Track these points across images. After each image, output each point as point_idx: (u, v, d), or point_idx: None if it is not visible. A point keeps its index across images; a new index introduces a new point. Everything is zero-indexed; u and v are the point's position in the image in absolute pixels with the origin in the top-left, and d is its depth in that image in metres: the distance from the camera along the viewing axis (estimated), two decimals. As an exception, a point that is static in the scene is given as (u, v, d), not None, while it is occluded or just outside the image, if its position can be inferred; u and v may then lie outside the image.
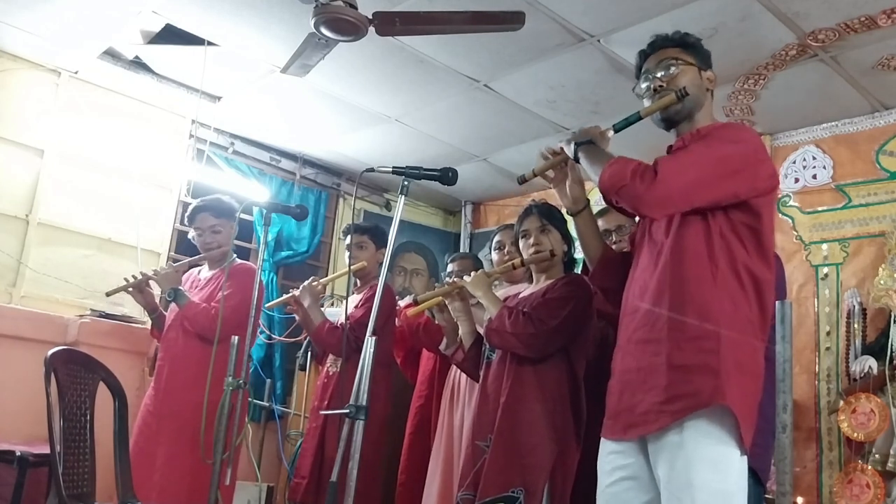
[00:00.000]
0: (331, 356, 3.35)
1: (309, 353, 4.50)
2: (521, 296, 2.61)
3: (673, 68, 1.85)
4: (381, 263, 3.47)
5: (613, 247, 2.73)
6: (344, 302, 3.67)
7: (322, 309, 3.43)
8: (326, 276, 4.41)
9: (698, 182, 1.68)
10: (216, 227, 3.32)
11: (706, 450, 1.59)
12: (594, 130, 1.89)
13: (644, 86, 1.91)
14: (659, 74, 1.87)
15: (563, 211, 2.57)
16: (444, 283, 2.71)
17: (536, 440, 2.30)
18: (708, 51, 1.93)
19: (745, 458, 1.63)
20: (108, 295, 3.47)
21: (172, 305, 3.33)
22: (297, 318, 3.47)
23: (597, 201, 2.72)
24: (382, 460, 3.25)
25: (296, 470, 3.33)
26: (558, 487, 2.30)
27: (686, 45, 1.90)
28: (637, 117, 1.87)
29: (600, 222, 2.88)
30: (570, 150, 1.89)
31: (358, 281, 3.47)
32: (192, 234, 3.39)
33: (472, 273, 2.60)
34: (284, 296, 3.47)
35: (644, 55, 1.94)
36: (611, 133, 1.90)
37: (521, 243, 2.60)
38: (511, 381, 2.39)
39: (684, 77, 1.85)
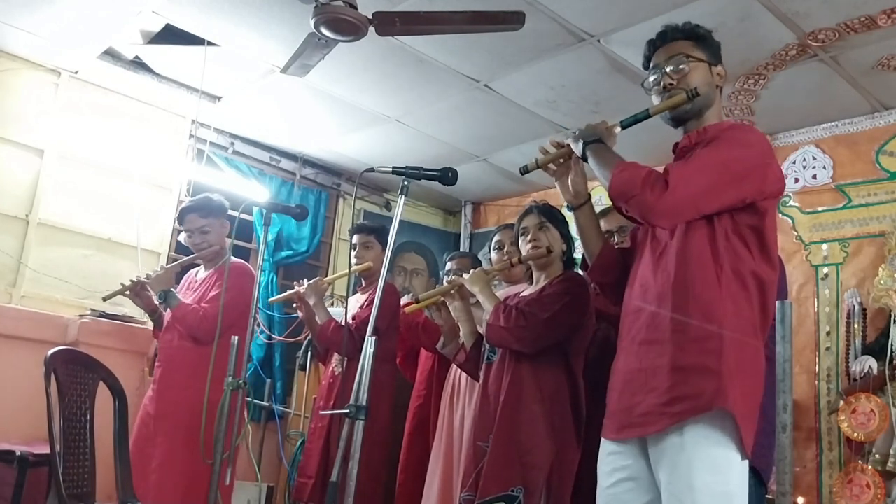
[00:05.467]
0: (336, 356, 3.34)
1: (309, 353, 4.50)
2: (521, 295, 2.62)
3: (683, 66, 1.82)
4: (386, 264, 3.49)
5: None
6: (345, 302, 3.65)
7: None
8: (326, 276, 4.41)
9: (708, 190, 1.66)
10: (204, 227, 3.31)
11: (707, 452, 1.58)
12: (601, 126, 1.86)
13: (653, 79, 1.87)
14: (669, 70, 1.83)
15: (564, 211, 2.57)
16: (444, 283, 2.72)
17: (536, 439, 2.30)
18: (718, 43, 1.90)
19: (747, 462, 1.62)
20: (104, 300, 3.47)
21: (171, 307, 3.33)
22: (300, 315, 3.46)
23: (597, 200, 2.72)
24: (385, 460, 3.25)
25: (300, 470, 3.32)
26: (557, 486, 2.30)
27: (697, 38, 1.87)
28: (646, 115, 1.85)
29: (602, 223, 2.87)
30: (577, 149, 1.86)
31: (363, 281, 3.47)
32: (182, 236, 3.40)
33: (471, 271, 2.60)
34: (288, 291, 3.47)
35: (653, 46, 1.90)
36: (618, 129, 1.87)
37: (520, 242, 2.60)
38: (509, 381, 2.39)
39: (695, 75, 1.82)
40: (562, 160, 1.97)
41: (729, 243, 1.69)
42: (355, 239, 3.41)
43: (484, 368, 2.57)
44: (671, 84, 1.83)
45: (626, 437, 1.72)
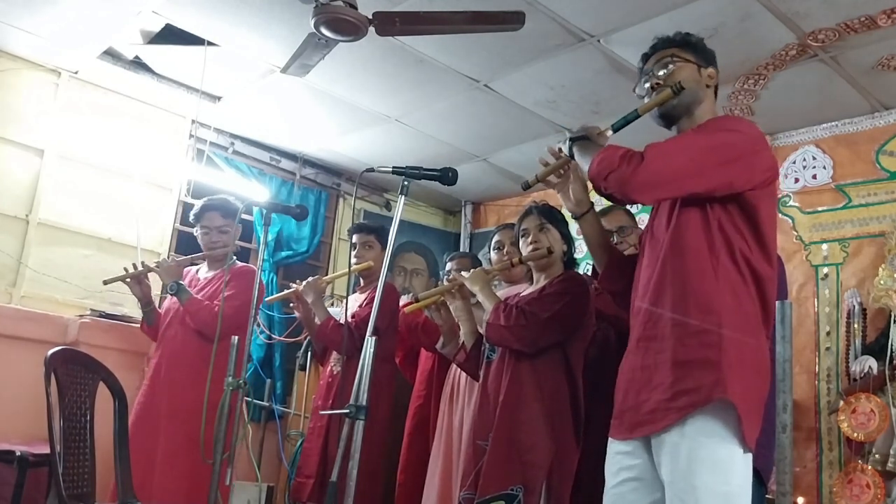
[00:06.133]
0: (335, 355, 3.34)
1: (309, 353, 4.50)
2: (521, 295, 2.62)
3: (670, 65, 1.86)
4: (386, 264, 3.49)
5: (615, 248, 2.74)
6: (345, 301, 3.65)
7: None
8: (326, 276, 4.40)
9: (688, 167, 1.66)
10: (224, 227, 3.33)
11: (708, 450, 1.58)
12: (592, 130, 1.88)
13: (645, 87, 1.91)
14: (658, 73, 1.87)
15: (564, 211, 2.56)
16: (444, 283, 2.72)
17: (535, 438, 2.30)
18: (711, 50, 1.93)
19: (750, 456, 1.61)
20: (105, 283, 3.46)
21: (169, 302, 3.32)
22: (297, 314, 3.46)
23: (597, 200, 2.72)
24: (384, 459, 3.25)
25: (298, 469, 3.32)
26: (556, 486, 2.30)
27: (686, 45, 1.90)
28: (635, 115, 1.86)
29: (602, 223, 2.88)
30: (566, 148, 1.90)
31: (362, 280, 3.47)
32: (197, 231, 3.39)
33: (471, 270, 2.61)
34: (286, 290, 3.47)
35: (645, 58, 1.95)
36: (609, 133, 1.89)
37: (521, 243, 2.61)
38: (509, 380, 2.39)
39: (681, 73, 1.84)
40: (561, 171, 1.99)
41: (724, 234, 1.69)
42: (356, 238, 3.41)
43: (483, 367, 2.58)
44: (658, 83, 1.85)
45: (635, 436, 1.71)
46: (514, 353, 2.42)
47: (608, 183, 1.69)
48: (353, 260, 3.39)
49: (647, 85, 1.89)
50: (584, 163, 1.79)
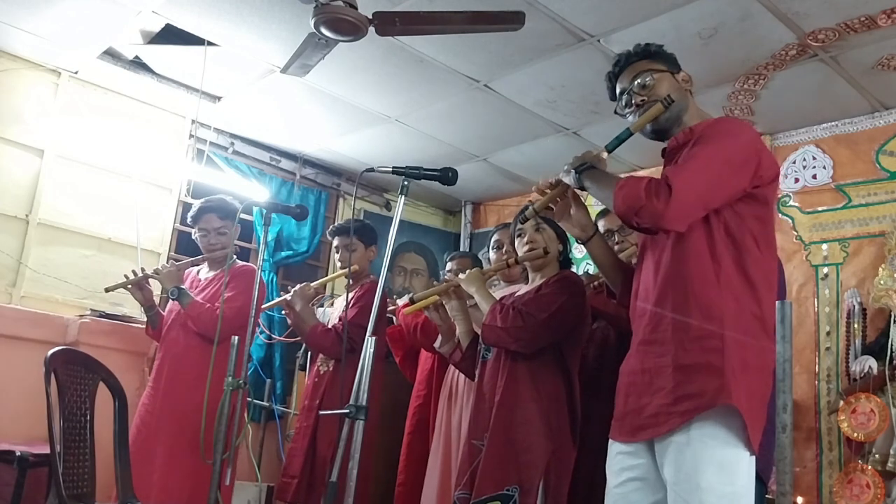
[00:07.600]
0: (321, 355, 3.35)
1: (309, 354, 4.50)
2: (517, 294, 2.62)
3: (649, 79, 1.86)
4: (372, 262, 3.51)
5: (616, 247, 2.74)
6: (332, 304, 3.67)
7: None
8: (326, 276, 4.40)
9: (711, 186, 1.68)
10: (222, 228, 3.31)
11: (713, 451, 1.58)
12: (589, 155, 1.87)
13: (624, 102, 1.91)
14: (637, 89, 1.87)
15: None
16: (443, 282, 2.72)
17: (531, 438, 2.30)
18: (672, 54, 1.94)
19: (754, 458, 1.62)
20: (107, 290, 3.46)
21: (171, 304, 3.32)
22: (289, 321, 3.48)
23: (593, 203, 2.72)
24: (374, 457, 3.24)
25: (283, 469, 3.31)
26: (553, 485, 2.30)
27: (651, 55, 1.91)
28: (628, 134, 1.87)
29: (602, 223, 2.89)
30: (571, 180, 1.86)
31: (349, 280, 3.48)
32: (195, 234, 3.38)
33: (468, 271, 2.60)
34: (277, 299, 3.49)
35: (613, 76, 1.95)
36: (605, 154, 1.88)
37: (516, 243, 2.61)
38: (505, 380, 2.39)
39: (662, 85, 1.85)
40: (558, 199, 1.96)
41: (729, 238, 1.70)
42: (337, 241, 3.41)
43: (479, 367, 2.58)
44: (643, 100, 1.86)
45: (638, 439, 1.72)
46: (510, 353, 2.42)
47: (640, 218, 1.68)
48: (338, 263, 3.44)
49: (630, 102, 1.88)
50: (602, 197, 1.78)
